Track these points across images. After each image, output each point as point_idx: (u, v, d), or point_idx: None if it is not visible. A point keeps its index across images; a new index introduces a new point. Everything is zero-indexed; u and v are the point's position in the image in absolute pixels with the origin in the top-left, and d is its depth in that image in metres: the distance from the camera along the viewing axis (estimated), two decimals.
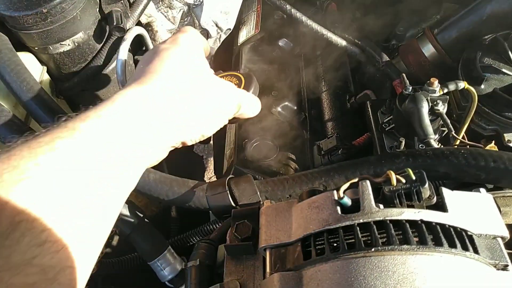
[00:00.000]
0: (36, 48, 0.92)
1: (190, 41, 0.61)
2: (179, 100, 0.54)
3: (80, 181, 0.41)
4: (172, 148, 0.56)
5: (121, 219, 0.79)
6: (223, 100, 0.60)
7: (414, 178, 0.51)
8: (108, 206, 0.45)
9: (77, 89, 1.05)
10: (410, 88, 0.84)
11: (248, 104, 0.66)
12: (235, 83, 0.71)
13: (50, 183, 0.39)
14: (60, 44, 0.92)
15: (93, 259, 0.44)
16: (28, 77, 0.84)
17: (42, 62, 0.98)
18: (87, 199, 0.42)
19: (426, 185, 0.50)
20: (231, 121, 0.67)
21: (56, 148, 0.41)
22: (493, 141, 0.87)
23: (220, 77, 0.69)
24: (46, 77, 1.00)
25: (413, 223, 0.48)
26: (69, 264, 0.38)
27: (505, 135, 0.86)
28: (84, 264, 0.41)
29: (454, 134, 0.79)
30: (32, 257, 0.35)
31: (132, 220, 0.81)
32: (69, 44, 0.93)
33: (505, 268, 0.49)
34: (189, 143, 0.58)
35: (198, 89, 0.56)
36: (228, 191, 0.73)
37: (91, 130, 0.45)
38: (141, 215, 0.84)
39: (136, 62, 1.14)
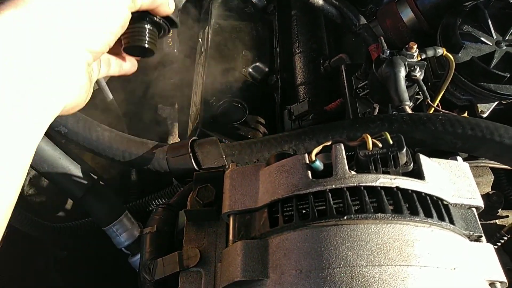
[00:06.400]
0: None
1: None
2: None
3: None
4: (85, 65, 0.47)
5: (72, 181, 0.72)
6: None
7: (391, 142, 0.47)
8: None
9: None
10: (388, 52, 0.79)
11: None
12: None
13: None
14: None
15: None
16: None
17: None
18: None
19: (404, 150, 0.47)
20: (150, 33, 0.55)
21: None
22: (466, 112, 0.85)
23: None
24: None
25: (388, 190, 0.44)
26: None
27: (478, 105, 0.84)
28: None
29: (430, 102, 0.76)
30: None
31: (85, 181, 0.74)
32: None
33: (478, 239, 0.48)
34: (100, 48, 0.49)
35: None
36: (191, 153, 0.68)
37: None
38: (95, 177, 0.77)
39: None
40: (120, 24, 0.51)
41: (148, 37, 0.55)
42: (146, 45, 0.55)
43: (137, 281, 0.58)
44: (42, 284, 0.95)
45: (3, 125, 0.38)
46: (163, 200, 0.88)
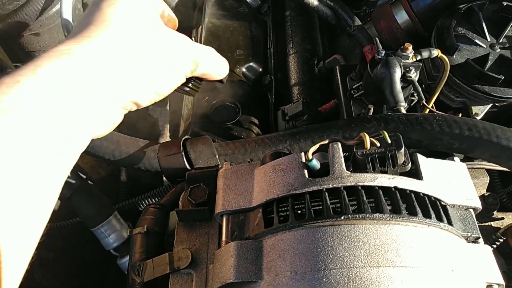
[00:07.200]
0: None
1: None
2: (128, 54, 0.48)
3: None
4: (125, 111, 0.50)
5: None
6: (176, 53, 0.54)
7: (389, 141, 0.46)
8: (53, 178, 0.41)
9: (14, 33, 0.92)
10: (383, 52, 0.79)
11: (209, 62, 0.59)
12: None
13: None
14: None
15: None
16: None
17: None
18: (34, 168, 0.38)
19: (402, 149, 0.46)
20: (194, 84, 0.62)
21: None
22: (460, 114, 0.85)
23: None
24: None
25: (386, 190, 0.44)
26: None
27: (472, 107, 0.84)
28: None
29: (425, 103, 0.75)
30: None
31: (73, 181, 0.72)
32: None
33: (476, 240, 0.47)
34: (144, 104, 0.52)
35: (148, 41, 0.50)
36: (183, 153, 0.66)
37: (25, 95, 0.39)
38: (84, 176, 0.75)
39: (85, 6, 1.01)
40: (172, 89, 0.55)
41: (192, 85, 0.61)
42: (188, 92, 0.62)
43: (125, 284, 0.56)
44: (26, 285, 0.92)
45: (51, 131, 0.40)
46: (154, 200, 0.86)
